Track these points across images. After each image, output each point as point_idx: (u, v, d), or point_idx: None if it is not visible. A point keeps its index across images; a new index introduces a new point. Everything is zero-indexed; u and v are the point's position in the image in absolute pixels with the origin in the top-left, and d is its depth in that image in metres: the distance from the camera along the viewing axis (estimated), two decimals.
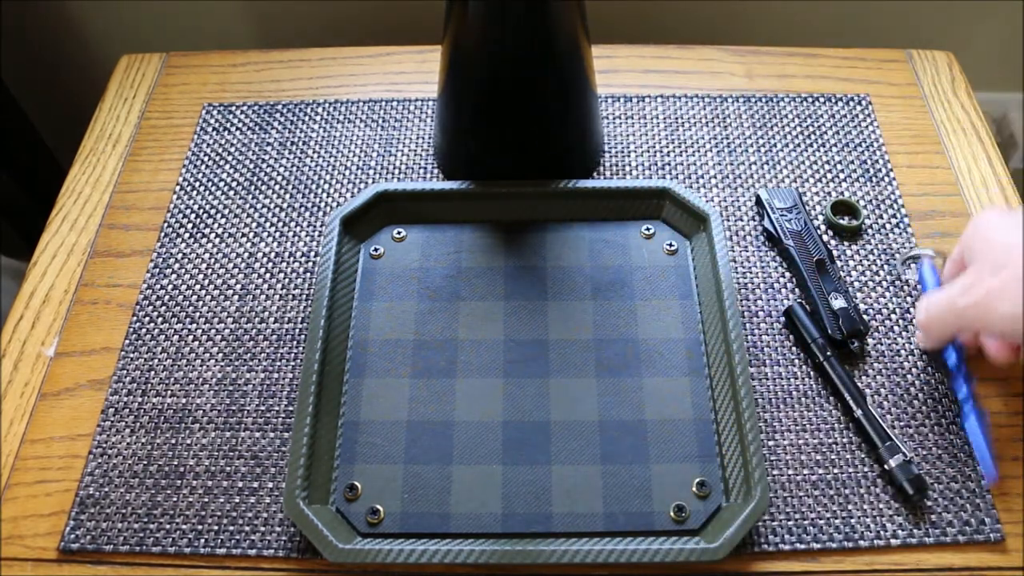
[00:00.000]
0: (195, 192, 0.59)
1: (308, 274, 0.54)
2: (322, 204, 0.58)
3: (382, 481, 0.45)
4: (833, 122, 0.62)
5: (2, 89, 0.85)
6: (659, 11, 0.85)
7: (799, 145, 0.60)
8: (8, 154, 0.89)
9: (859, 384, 0.48)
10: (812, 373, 0.49)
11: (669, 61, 0.66)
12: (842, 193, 0.57)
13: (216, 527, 0.44)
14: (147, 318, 0.52)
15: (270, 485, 0.46)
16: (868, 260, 0.54)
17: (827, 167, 0.59)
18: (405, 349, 0.49)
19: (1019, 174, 1.06)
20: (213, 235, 0.56)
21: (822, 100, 0.63)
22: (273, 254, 0.55)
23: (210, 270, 0.54)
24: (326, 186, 0.59)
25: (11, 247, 0.92)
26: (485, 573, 0.43)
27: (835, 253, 0.54)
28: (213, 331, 0.52)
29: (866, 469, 0.46)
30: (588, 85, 0.54)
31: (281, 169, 0.60)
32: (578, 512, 0.44)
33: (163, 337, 0.51)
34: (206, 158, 0.60)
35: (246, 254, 0.55)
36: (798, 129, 0.61)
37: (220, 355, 0.51)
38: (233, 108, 0.63)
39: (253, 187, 0.59)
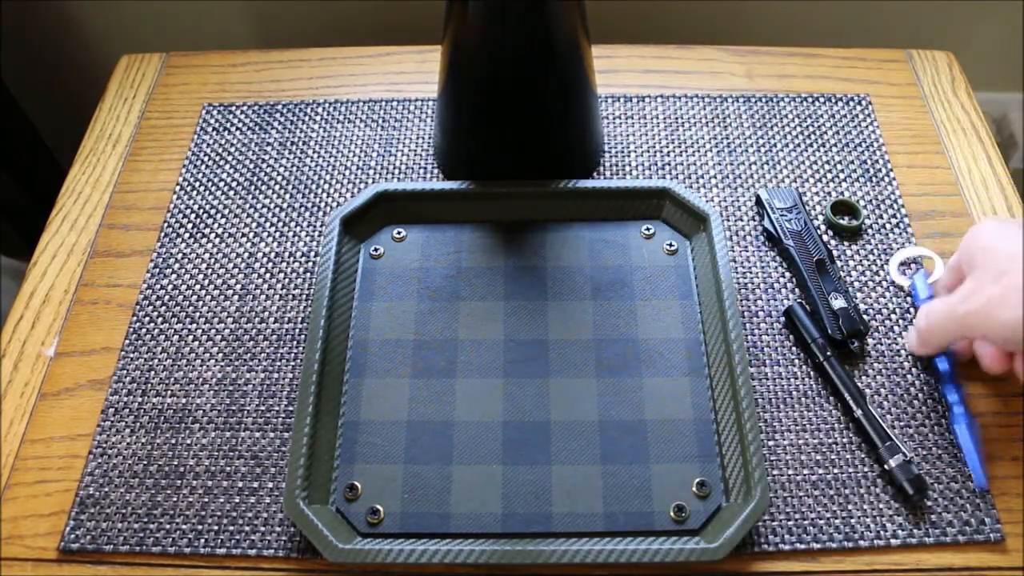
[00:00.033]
0: (195, 192, 0.59)
1: (308, 274, 0.54)
2: (322, 204, 0.58)
3: (382, 481, 0.45)
4: (833, 122, 0.62)
5: (2, 89, 0.85)
6: (659, 11, 0.85)
7: (799, 145, 0.60)
8: (8, 154, 0.89)
9: (859, 384, 0.48)
10: (812, 373, 0.49)
11: (669, 61, 0.66)
12: (842, 193, 0.57)
13: (216, 527, 0.44)
14: (147, 318, 0.52)
15: (270, 485, 0.46)
16: (868, 260, 0.54)
17: (827, 167, 0.59)
18: (405, 349, 0.49)
19: (1019, 174, 1.06)
20: (213, 235, 0.56)
21: (822, 100, 0.63)
22: (273, 254, 0.55)
23: (210, 270, 0.54)
24: (326, 186, 0.59)
25: (11, 247, 0.92)
26: (485, 573, 0.43)
27: (835, 253, 0.54)
28: (213, 331, 0.52)
29: (866, 469, 0.46)
30: (588, 85, 0.54)
31: (281, 169, 0.60)
32: (578, 512, 0.44)
33: (163, 337, 0.51)
34: (206, 158, 0.60)
35: (246, 254, 0.55)
36: (798, 129, 0.61)
37: (220, 355, 0.51)
38: (233, 108, 0.63)
39: (253, 187, 0.59)
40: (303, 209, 0.57)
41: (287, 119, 0.63)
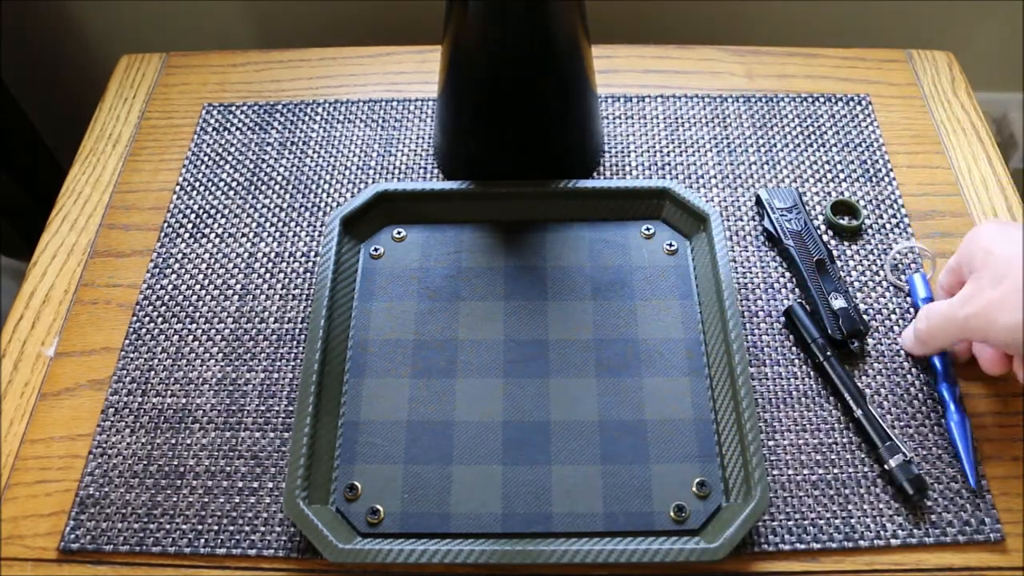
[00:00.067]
0: (195, 192, 0.59)
1: (308, 274, 0.54)
2: (322, 204, 0.58)
3: (382, 481, 0.45)
4: (833, 122, 0.62)
5: (2, 89, 0.85)
6: (659, 11, 0.85)
7: (799, 145, 0.60)
8: (8, 154, 0.89)
9: (859, 384, 0.48)
10: (812, 373, 0.49)
11: (669, 61, 0.66)
12: (842, 193, 0.57)
13: (216, 527, 0.44)
14: (147, 318, 0.52)
15: (270, 485, 0.46)
16: (868, 260, 0.54)
17: (827, 167, 0.59)
18: (405, 349, 0.49)
19: (1019, 174, 1.06)
20: (213, 235, 0.56)
21: (822, 100, 0.63)
22: (273, 254, 0.55)
23: (210, 270, 0.54)
24: (326, 186, 0.59)
25: (11, 247, 0.92)
26: (485, 573, 0.43)
27: (835, 253, 0.54)
28: (213, 331, 0.52)
29: (866, 469, 0.46)
30: (588, 85, 0.54)
31: (281, 169, 0.60)
32: (578, 512, 0.44)
33: (163, 337, 0.51)
34: (206, 158, 0.60)
35: (246, 254, 0.55)
36: (798, 129, 0.61)
37: (220, 355, 0.51)
38: (233, 108, 0.63)
39: (253, 187, 0.59)
40: (303, 209, 0.57)
41: (287, 119, 0.63)
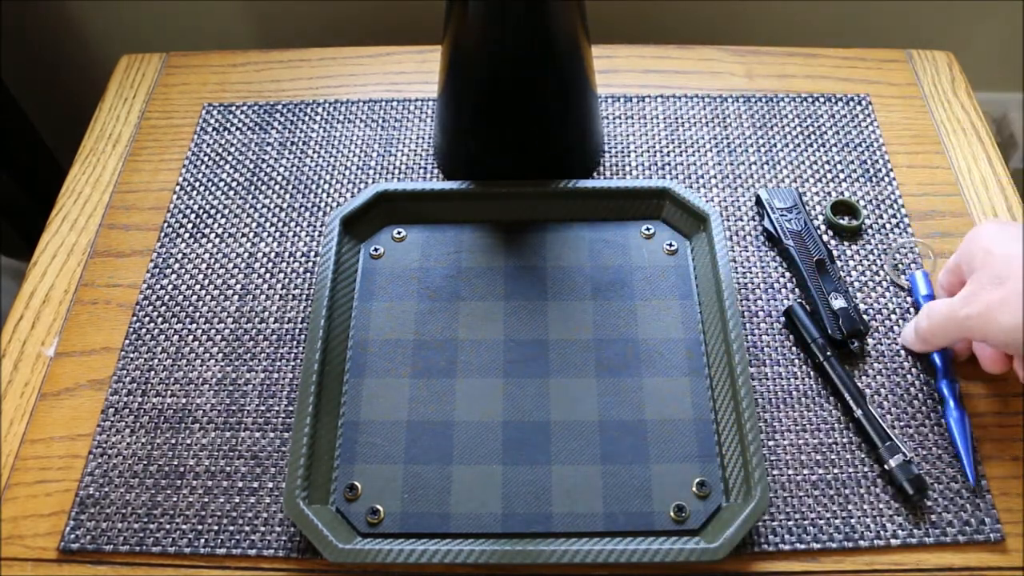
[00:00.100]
0: (195, 192, 0.59)
1: (308, 274, 0.54)
2: (322, 204, 0.58)
3: (382, 481, 0.45)
4: (833, 122, 0.62)
5: (2, 89, 0.85)
6: (659, 11, 0.85)
7: (799, 145, 0.60)
8: (8, 154, 0.89)
9: (859, 384, 0.48)
10: (812, 373, 0.49)
11: (669, 61, 0.66)
12: (842, 193, 0.57)
13: (216, 527, 0.44)
14: (147, 318, 0.52)
15: (270, 485, 0.46)
16: (868, 260, 0.54)
17: (827, 167, 0.59)
18: (405, 349, 0.49)
19: (1019, 174, 1.06)
20: (213, 235, 0.56)
21: (822, 100, 0.63)
22: (273, 254, 0.55)
23: (210, 270, 0.54)
24: (326, 186, 0.59)
25: (11, 247, 0.92)
26: (485, 573, 0.43)
27: (835, 253, 0.54)
28: (213, 331, 0.52)
29: (866, 469, 0.46)
30: (588, 85, 0.54)
31: (281, 169, 0.60)
32: (578, 512, 0.44)
33: (163, 337, 0.51)
34: (206, 158, 0.60)
35: (246, 254, 0.55)
36: (798, 129, 0.61)
37: (220, 355, 0.51)
38: (233, 108, 0.63)
39: (253, 187, 0.59)
40: (303, 209, 0.57)
41: (287, 119, 0.63)
